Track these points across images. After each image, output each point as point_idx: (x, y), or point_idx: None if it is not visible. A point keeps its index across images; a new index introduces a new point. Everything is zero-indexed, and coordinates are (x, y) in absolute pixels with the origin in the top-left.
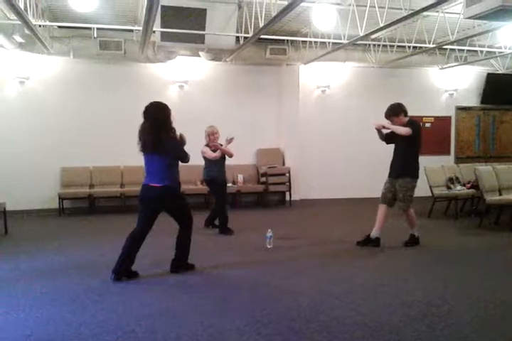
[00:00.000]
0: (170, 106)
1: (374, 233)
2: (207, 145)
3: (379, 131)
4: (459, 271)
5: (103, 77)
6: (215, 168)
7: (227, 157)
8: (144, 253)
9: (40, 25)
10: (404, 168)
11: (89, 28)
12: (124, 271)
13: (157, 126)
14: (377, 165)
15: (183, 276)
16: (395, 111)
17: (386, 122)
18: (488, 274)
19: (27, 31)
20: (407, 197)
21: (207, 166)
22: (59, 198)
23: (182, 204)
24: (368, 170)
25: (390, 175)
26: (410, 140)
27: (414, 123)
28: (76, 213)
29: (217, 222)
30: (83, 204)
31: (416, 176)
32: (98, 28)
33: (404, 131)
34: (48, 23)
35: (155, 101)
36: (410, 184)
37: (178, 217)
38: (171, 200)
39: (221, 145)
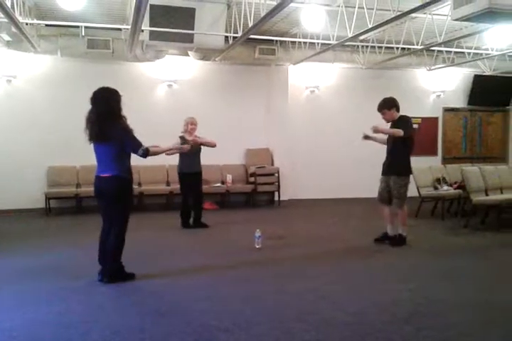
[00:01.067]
0: (159, 105)
1: (391, 231)
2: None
3: (370, 138)
4: (445, 271)
5: (91, 75)
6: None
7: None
8: (129, 251)
9: (27, 24)
10: (396, 165)
11: (77, 27)
12: (115, 272)
13: (104, 114)
14: (365, 165)
15: (171, 276)
16: (389, 105)
17: (381, 125)
18: (475, 274)
19: (14, 29)
20: (401, 193)
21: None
22: (46, 198)
23: (126, 200)
24: (356, 171)
25: (383, 172)
26: (406, 135)
27: (404, 119)
28: (63, 213)
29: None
30: (70, 204)
31: (409, 172)
32: (86, 27)
33: (398, 133)
34: (35, 21)
35: (103, 87)
36: (403, 181)
37: (115, 215)
38: (117, 192)
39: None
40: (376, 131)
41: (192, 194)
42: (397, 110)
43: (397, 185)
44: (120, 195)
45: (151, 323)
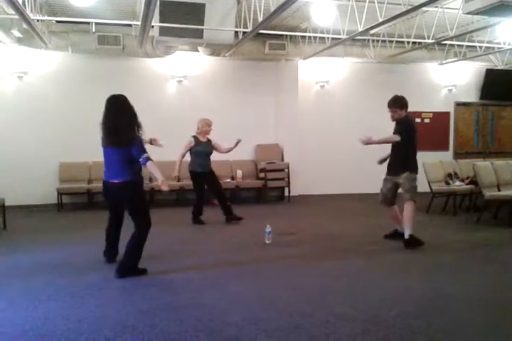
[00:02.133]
0: (169, 101)
1: (403, 231)
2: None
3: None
4: (456, 266)
5: (101, 72)
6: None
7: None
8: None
9: (38, 20)
10: (404, 164)
11: (87, 23)
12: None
13: (123, 124)
14: (376, 160)
15: (183, 272)
16: (401, 104)
17: (373, 137)
18: (486, 270)
19: (25, 26)
20: (413, 186)
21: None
22: (58, 193)
23: (143, 200)
24: (367, 166)
25: (390, 173)
26: (405, 138)
27: (406, 120)
28: (75, 208)
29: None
30: (82, 200)
31: (416, 171)
32: (96, 23)
33: (393, 139)
34: (46, 17)
35: (120, 95)
36: (414, 176)
37: (135, 217)
38: (133, 196)
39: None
40: (368, 143)
41: (215, 193)
42: (406, 109)
43: (409, 180)
44: (136, 198)
45: (162, 318)
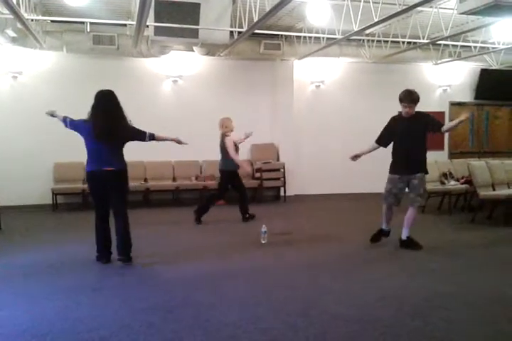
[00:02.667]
0: (164, 101)
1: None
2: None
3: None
4: (453, 265)
5: (96, 71)
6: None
7: None
8: (138, 246)
9: (32, 20)
10: (422, 163)
11: (82, 23)
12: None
13: (115, 117)
14: (372, 160)
15: (178, 271)
16: (417, 100)
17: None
18: (481, 269)
19: (19, 25)
20: (425, 190)
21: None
22: (52, 193)
23: (127, 189)
24: (363, 166)
25: (405, 172)
26: (424, 134)
27: (429, 115)
28: (70, 208)
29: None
30: (77, 200)
31: (427, 172)
32: (91, 23)
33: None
34: (40, 17)
35: (108, 90)
36: (425, 177)
37: (123, 205)
38: (125, 183)
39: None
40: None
41: (235, 191)
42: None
43: (422, 181)
44: (127, 187)
45: (159, 318)
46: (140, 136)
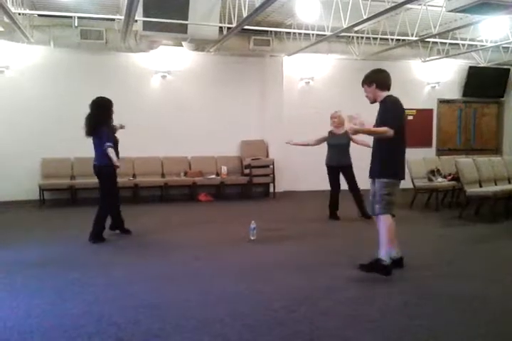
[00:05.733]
0: (152, 96)
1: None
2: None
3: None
4: (439, 262)
5: (84, 66)
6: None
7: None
8: (127, 242)
9: (19, 14)
10: (381, 165)
11: (70, 17)
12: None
13: (98, 118)
14: (360, 157)
15: (166, 268)
16: (367, 79)
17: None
18: (468, 266)
19: (6, 20)
20: (383, 197)
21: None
22: (40, 189)
23: (110, 183)
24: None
25: (402, 175)
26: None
27: (387, 106)
28: (57, 204)
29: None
30: (64, 196)
31: (395, 176)
32: (79, 17)
33: (385, 133)
34: (28, 11)
35: (103, 97)
36: (386, 184)
37: (100, 195)
38: (100, 177)
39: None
40: (354, 132)
41: (348, 188)
42: (381, 88)
43: (379, 189)
44: (106, 181)
45: (147, 315)
46: (106, 139)
